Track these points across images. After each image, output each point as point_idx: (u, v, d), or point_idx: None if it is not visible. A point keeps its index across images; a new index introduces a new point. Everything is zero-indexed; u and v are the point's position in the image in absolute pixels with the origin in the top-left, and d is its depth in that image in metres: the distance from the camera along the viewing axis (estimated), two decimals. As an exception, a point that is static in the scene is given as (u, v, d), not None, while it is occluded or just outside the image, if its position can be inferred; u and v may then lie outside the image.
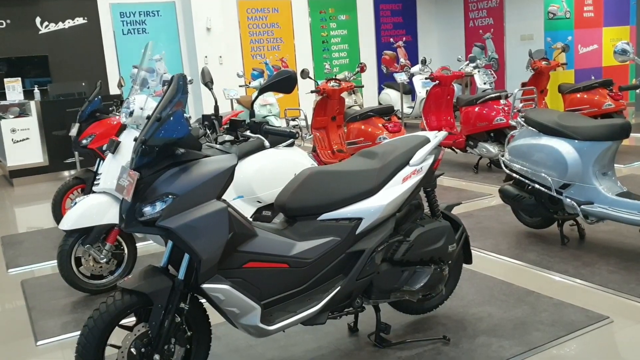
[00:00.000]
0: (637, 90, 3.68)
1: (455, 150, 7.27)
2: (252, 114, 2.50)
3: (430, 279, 2.86)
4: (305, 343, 3.01)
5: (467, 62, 8.34)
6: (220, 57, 10.55)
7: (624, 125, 3.89)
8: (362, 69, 7.19)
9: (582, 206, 3.94)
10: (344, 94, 7.03)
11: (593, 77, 8.60)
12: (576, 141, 3.96)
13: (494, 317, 3.15)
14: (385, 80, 11.95)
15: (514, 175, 4.34)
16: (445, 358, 2.76)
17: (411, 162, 2.82)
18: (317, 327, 3.07)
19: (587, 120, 4.09)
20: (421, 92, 9.87)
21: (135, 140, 2.30)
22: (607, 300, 3.31)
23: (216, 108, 2.68)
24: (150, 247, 4.76)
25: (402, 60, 11.59)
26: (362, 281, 2.66)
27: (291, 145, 4.04)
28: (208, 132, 2.56)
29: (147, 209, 2.22)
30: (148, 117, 2.38)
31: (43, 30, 9.83)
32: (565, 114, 4.31)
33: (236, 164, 2.36)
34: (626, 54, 3.69)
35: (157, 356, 2.30)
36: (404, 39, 12.75)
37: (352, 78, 7.38)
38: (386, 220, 2.76)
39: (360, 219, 2.66)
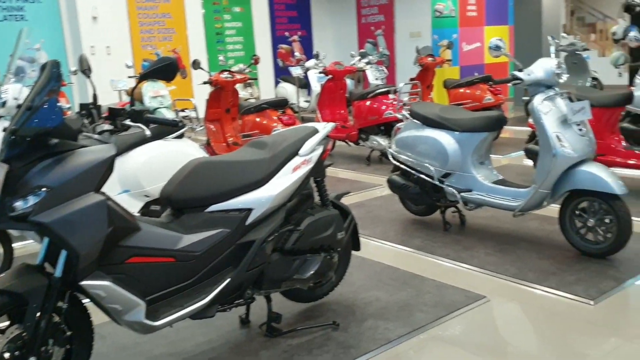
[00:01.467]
0: (511, 84, 3.95)
1: (349, 143, 7.45)
2: (132, 102, 2.42)
3: (320, 267, 2.91)
4: (195, 337, 2.96)
5: (359, 57, 8.55)
6: (108, 47, 10.09)
7: (499, 117, 4.17)
8: (256, 61, 7.17)
9: (461, 194, 4.18)
10: (239, 87, 6.97)
11: (476, 74, 9.12)
12: (456, 133, 4.19)
13: (382, 300, 3.28)
14: (282, 73, 11.97)
15: (401, 165, 4.53)
16: (334, 343, 2.83)
17: (300, 152, 2.86)
18: (207, 321, 3.03)
19: (466, 113, 4.35)
20: (317, 86, 10.00)
21: (4, 130, 2.16)
22: (485, 281, 3.54)
23: (94, 96, 2.57)
24: (30, 247, 4.46)
25: (297, 54, 11.67)
26: (252, 272, 2.66)
27: (181, 136, 3.96)
28: (86, 121, 2.44)
29: (19, 204, 2.09)
30: (19, 107, 2.23)
31: None
32: (446, 107, 4.55)
33: (115, 154, 2.27)
34: (499, 49, 3.95)
35: (33, 359, 2.17)
36: (299, 33, 12.84)
37: (246, 70, 7.34)
38: (277, 210, 2.77)
39: (250, 210, 2.66)
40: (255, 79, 7.53)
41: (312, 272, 2.89)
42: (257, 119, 6.44)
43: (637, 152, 4.97)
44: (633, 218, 3.58)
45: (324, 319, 3.07)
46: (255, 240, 2.65)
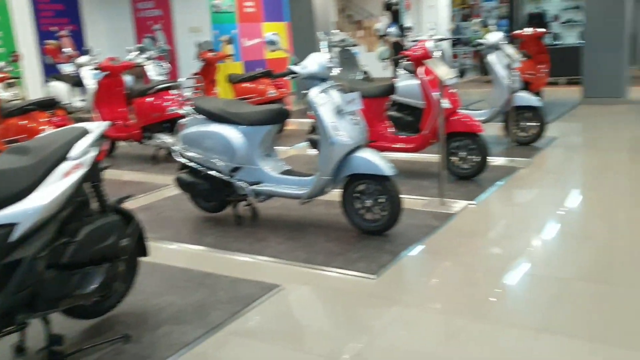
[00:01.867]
0: (289, 78, 4.08)
1: (131, 142, 7.08)
2: None
3: (104, 279, 2.70)
4: (-43, 378, 2.55)
5: (137, 52, 8.16)
6: None
7: (280, 110, 4.29)
8: (16, 57, 6.41)
9: (251, 186, 4.23)
10: (-3, 87, 6.16)
11: (259, 69, 9.32)
12: (241, 126, 4.22)
13: (175, 304, 3.16)
14: (52, 71, 10.91)
15: (188, 163, 4.42)
16: (127, 356, 2.66)
17: (71, 155, 2.60)
18: (-28, 357, 2.63)
19: (249, 107, 4.40)
20: (92, 84, 9.30)
21: None
22: (278, 270, 3.62)
23: None
24: None
25: (68, 50, 10.73)
26: (22, 294, 2.36)
27: None
28: None
29: None
30: None
31: None
32: (230, 101, 4.56)
33: None
34: (274, 44, 4.06)
35: None
36: (69, 27, 11.82)
37: (6, 69, 6.53)
38: (47, 222, 2.49)
39: (13, 225, 2.34)
40: (19, 77, 6.73)
41: (95, 285, 2.66)
42: (22, 122, 5.76)
43: (402, 137, 5.52)
44: (402, 196, 3.96)
45: (113, 333, 2.86)
46: (24, 258, 2.35)
